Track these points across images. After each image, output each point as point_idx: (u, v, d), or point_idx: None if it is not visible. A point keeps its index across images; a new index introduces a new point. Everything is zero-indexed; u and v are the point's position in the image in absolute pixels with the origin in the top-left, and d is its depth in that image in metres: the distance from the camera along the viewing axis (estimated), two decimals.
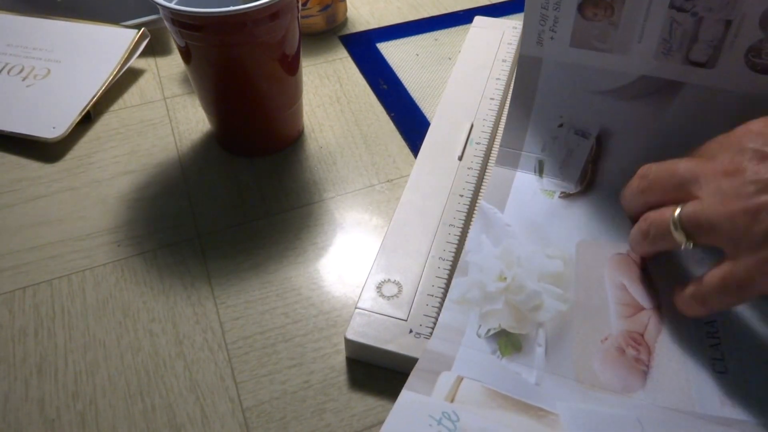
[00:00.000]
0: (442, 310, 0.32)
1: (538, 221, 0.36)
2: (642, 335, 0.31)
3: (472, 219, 0.37)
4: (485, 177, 0.40)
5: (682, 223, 0.28)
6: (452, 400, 0.28)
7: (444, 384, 0.28)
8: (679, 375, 0.29)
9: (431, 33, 0.54)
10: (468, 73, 0.46)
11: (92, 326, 0.33)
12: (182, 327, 0.33)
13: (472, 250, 0.34)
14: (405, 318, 0.31)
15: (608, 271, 0.33)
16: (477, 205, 0.37)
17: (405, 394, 0.28)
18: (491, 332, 0.31)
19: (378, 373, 0.31)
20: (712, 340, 0.30)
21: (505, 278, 0.33)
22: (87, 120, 0.46)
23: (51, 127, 0.44)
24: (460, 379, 0.29)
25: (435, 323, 0.31)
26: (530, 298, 0.32)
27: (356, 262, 0.36)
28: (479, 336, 0.31)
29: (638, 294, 0.32)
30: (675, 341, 0.30)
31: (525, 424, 0.27)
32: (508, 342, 0.30)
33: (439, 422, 0.27)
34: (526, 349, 0.30)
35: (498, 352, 0.30)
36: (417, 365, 0.29)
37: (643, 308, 0.32)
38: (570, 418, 0.27)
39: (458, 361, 0.30)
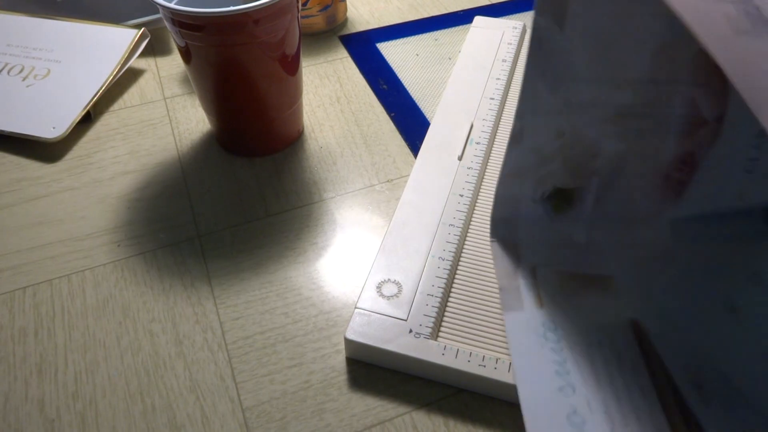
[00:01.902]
0: (497, 185, 0.30)
1: (609, 29, 0.26)
2: (693, 154, 0.28)
3: (525, 58, 0.29)
4: (485, 176, 0.39)
5: None
6: (541, 304, 0.27)
7: (526, 287, 0.28)
8: (717, 180, 0.27)
9: (431, 33, 0.54)
10: (468, 73, 0.46)
11: (92, 326, 0.33)
12: (182, 327, 0.33)
13: (527, 110, 0.28)
14: (405, 318, 0.31)
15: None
16: (532, 25, 0.26)
17: (507, 318, 0.27)
18: (545, 194, 0.29)
19: (378, 373, 0.31)
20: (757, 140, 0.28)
21: (564, 133, 0.28)
22: (87, 120, 0.46)
23: (51, 127, 0.44)
24: (534, 271, 0.28)
25: (435, 322, 0.31)
26: (589, 148, 0.27)
27: (356, 262, 0.36)
28: (534, 201, 0.29)
29: (704, 104, 0.27)
30: (725, 151, 0.27)
31: (595, 302, 0.27)
32: (561, 198, 0.29)
33: (546, 338, 0.27)
34: (577, 202, 0.29)
35: (551, 211, 0.29)
36: (496, 265, 0.29)
37: (706, 122, 0.27)
38: (620, 279, 0.27)
39: (523, 243, 0.29)
